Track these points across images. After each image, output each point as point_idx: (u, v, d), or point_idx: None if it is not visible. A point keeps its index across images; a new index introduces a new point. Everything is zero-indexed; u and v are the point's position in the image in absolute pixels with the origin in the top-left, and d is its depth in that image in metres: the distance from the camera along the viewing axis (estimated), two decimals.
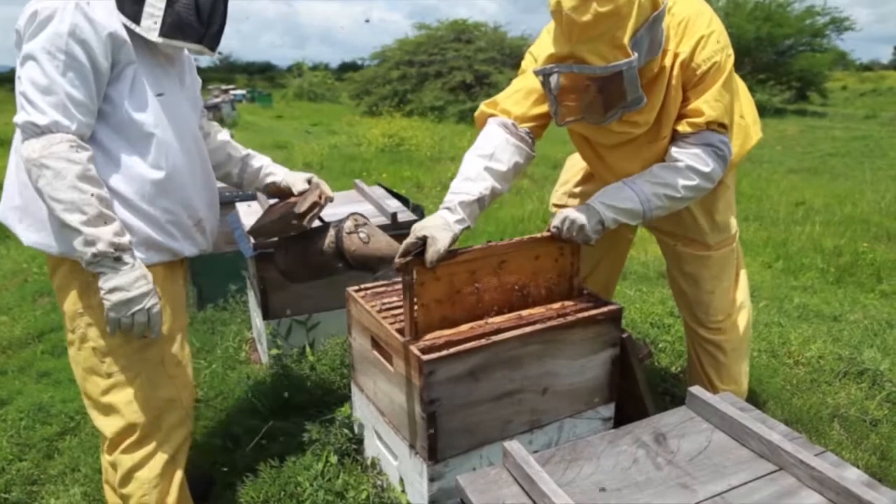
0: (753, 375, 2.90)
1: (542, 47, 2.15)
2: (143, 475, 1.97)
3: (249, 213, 3.28)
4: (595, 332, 2.16)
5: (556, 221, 2.13)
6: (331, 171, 9.94)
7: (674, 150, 2.15)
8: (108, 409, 1.94)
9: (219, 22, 1.91)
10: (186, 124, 1.98)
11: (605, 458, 1.55)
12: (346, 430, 2.48)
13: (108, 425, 1.96)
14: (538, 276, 2.19)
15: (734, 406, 1.67)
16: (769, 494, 1.41)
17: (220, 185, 2.31)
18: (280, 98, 30.04)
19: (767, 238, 6.24)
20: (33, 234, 1.83)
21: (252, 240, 2.98)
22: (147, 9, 1.77)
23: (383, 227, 2.78)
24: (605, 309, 2.18)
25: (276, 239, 2.38)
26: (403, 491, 2.18)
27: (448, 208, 2.05)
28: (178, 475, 2.05)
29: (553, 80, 2.03)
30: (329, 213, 2.32)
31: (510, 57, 21.48)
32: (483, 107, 2.34)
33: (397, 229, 2.91)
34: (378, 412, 2.27)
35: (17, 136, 1.76)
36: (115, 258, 1.71)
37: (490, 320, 2.08)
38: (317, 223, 2.28)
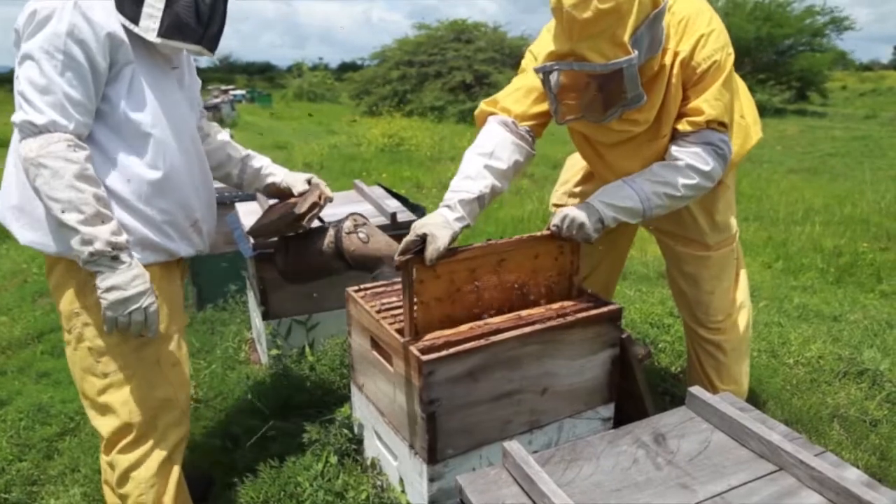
0: (753, 375, 2.90)
1: (543, 46, 2.15)
2: (140, 475, 1.97)
3: (249, 213, 3.28)
4: (594, 333, 2.16)
5: (556, 220, 2.13)
6: (330, 171, 9.94)
7: (674, 149, 2.15)
8: (104, 409, 1.94)
9: (218, 23, 1.91)
10: (184, 125, 1.98)
11: (605, 458, 1.54)
12: (345, 431, 2.48)
13: (104, 425, 1.96)
14: (538, 275, 2.18)
15: (734, 406, 1.67)
16: (769, 495, 1.41)
17: (219, 185, 2.31)
18: (280, 98, 30.04)
19: (767, 238, 6.24)
20: (30, 233, 1.83)
21: (252, 240, 2.98)
22: (146, 9, 1.78)
23: (383, 227, 2.78)
24: (604, 309, 2.18)
25: (275, 239, 2.38)
26: (403, 491, 2.18)
27: (448, 206, 2.05)
28: (175, 474, 2.04)
29: (553, 78, 2.03)
30: (329, 214, 2.32)
31: (510, 57, 21.48)
32: (483, 105, 2.34)
33: (397, 229, 2.91)
34: (378, 412, 2.27)
35: (16, 135, 1.76)
36: (112, 257, 1.72)
37: (489, 320, 2.08)
38: (316, 223, 2.28)
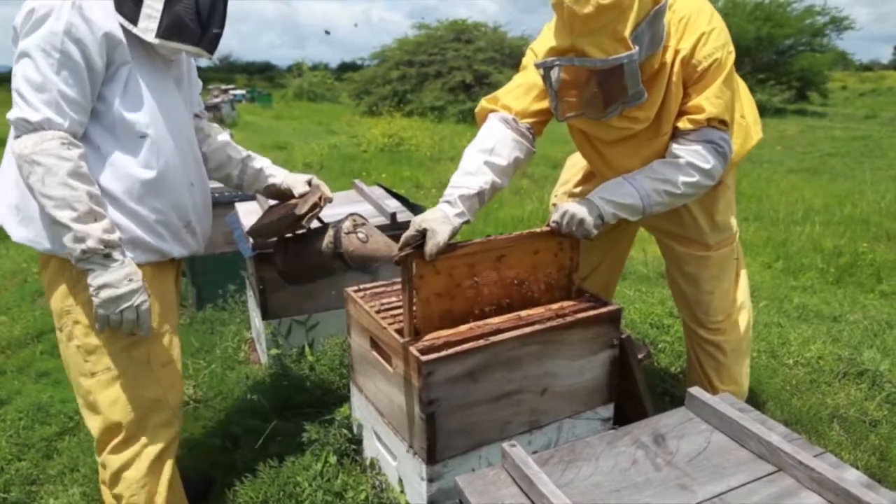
0: (753, 376, 2.90)
1: (544, 43, 2.15)
2: (131, 475, 1.97)
3: (249, 213, 3.28)
4: (594, 333, 2.16)
5: (555, 216, 2.13)
6: (330, 170, 9.94)
7: (674, 147, 2.15)
8: (94, 408, 1.94)
9: (217, 24, 1.90)
10: (181, 126, 1.98)
11: (604, 458, 1.54)
12: (345, 431, 2.47)
13: (93, 424, 1.96)
14: (537, 271, 2.18)
15: (733, 407, 1.67)
16: (768, 495, 1.41)
17: (218, 185, 2.31)
18: (280, 98, 30.03)
19: (767, 238, 6.24)
20: (23, 231, 1.84)
21: (251, 240, 2.98)
22: (145, 10, 1.78)
23: (382, 228, 2.78)
24: (604, 310, 2.18)
25: (274, 239, 2.38)
26: (402, 491, 2.17)
27: (448, 202, 2.05)
28: (167, 474, 2.03)
29: (554, 74, 2.03)
30: (328, 214, 2.32)
31: (510, 57, 21.47)
32: (484, 102, 2.34)
33: (396, 229, 2.91)
34: (377, 413, 2.27)
35: (12, 132, 1.76)
36: (104, 255, 1.72)
37: (489, 321, 2.08)
38: (315, 224, 2.28)
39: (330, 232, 2.21)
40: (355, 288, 2.37)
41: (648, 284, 4.84)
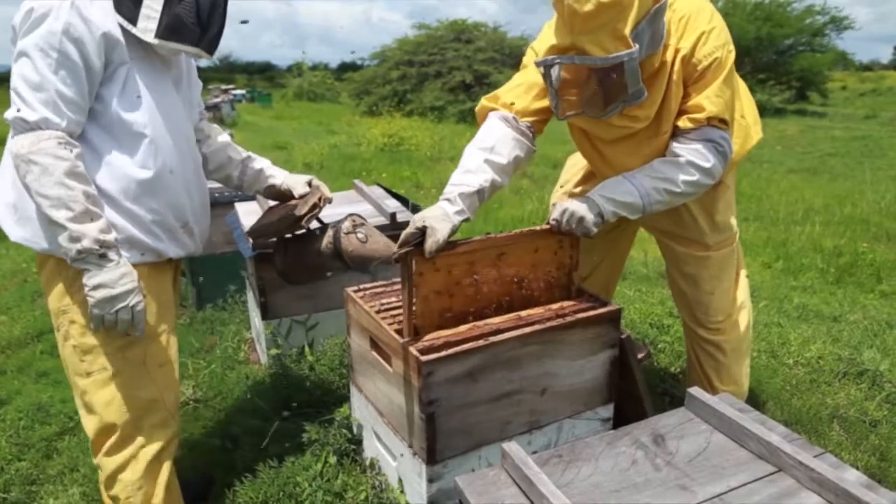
0: (753, 376, 2.90)
1: (544, 42, 2.15)
2: (127, 477, 1.96)
3: (249, 213, 3.28)
4: (594, 333, 2.16)
5: (555, 214, 2.13)
6: (330, 170, 9.94)
7: (674, 146, 2.15)
8: (90, 408, 1.94)
9: (217, 25, 1.90)
10: (179, 126, 1.97)
11: (604, 459, 1.54)
12: (345, 431, 2.47)
13: (89, 425, 1.96)
14: (537, 269, 2.18)
15: (733, 407, 1.67)
16: (768, 496, 1.41)
17: (217, 185, 2.31)
18: (280, 98, 30.03)
19: (767, 238, 6.24)
20: (20, 230, 1.84)
21: (251, 240, 2.97)
22: (144, 10, 1.78)
23: (382, 227, 2.78)
24: (604, 310, 2.18)
25: (274, 240, 2.38)
26: (402, 492, 2.17)
27: (448, 199, 2.05)
28: (164, 476, 2.03)
29: (554, 72, 2.03)
30: (328, 214, 2.32)
31: (510, 57, 21.47)
32: (484, 101, 2.34)
33: (396, 229, 2.91)
34: (377, 413, 2.27)
35: (11, 131, 1.76)
36: (100, 255, 1.72)
37: (489, 321, 2.08)
38: (315, 224, 2.28)
39: (329, 232, 2.21)
40: (355, 288, 2.37)
41: (648, 284, 4.84)
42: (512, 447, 1.51)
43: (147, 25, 1.79)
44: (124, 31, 1.79)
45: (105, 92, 1.79)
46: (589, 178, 2.71)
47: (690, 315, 2.65)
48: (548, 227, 2.16)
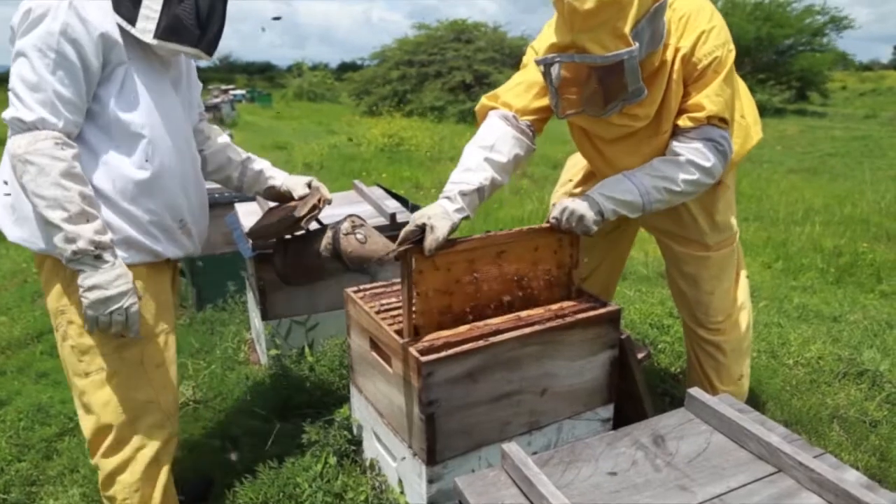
0: (753, 376, 2.90)
1: (544, 41, 2.15)
2: (125, 479, 1.97)
3: (249, 213, 3.28)
4: (594, 334, 2.16)
5: (555, 212, 2.13)
6: (330, 171, 9.95)
7: (674, 144, 2.15)
8: (88, 409, 1.94)
9: (216, 26, 1.90)
10: (178, 127, 1.97)
11: (604, 459, 1.54)
12: (344, 432, 2.47)
13: (86, 425, 1.96)
14: (537, 267, 2.18)
15: (733, 408, 1.67)
16: (768, 496, 1.41)
17: (217, 186, 2.30)
18: (280, 98, 30.03)
19: (767, 238, 6.24)
20: (17, 230, 1.84)
21: (251, 241, 2.97)
22: (143, 10, 1.78)
23: (382, 228, 2.78)
24: (604, 310, 2.18)
25: (273, 241, 2.38)
26: (402, 492, 2.17)
27: (448, 197, 2.05)
28: (163, 479, 2.03)
29: (554, 71, 2.03)
30: (327, 214, 2.32)
31: (510, 57, 21.48)
32: (484, 100, 2.34)
33: (396, 230, 2.90)
34: (377, 413, 2.27)
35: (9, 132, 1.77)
36: (95, 256, 1.72)
37: (488, 321, 2.08)
38: (314, 225, 2.28)
39: (328, 233, 2.21)
40: (355, 289, 2.37)
41: (648, 285, 4.84)
42: (512, 448, 1.51)
43: (146, 26, 1.79)
44: (123, 31, 1.79)
45: (103, 92, 1.79)
46: (589, 179, 2.70)
47: (690, 315, 2.65)
48: (548, 225, 2.16)
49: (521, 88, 2.27)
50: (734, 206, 2.56)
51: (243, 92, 27.39)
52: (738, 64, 2.22)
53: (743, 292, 2.65)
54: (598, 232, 2.26)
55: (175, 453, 2.14)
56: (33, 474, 2.68)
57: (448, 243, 1.96)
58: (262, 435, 2.67)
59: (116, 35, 1.77)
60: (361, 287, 2.37)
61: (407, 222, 1.97)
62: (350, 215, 2.26)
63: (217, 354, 3.55)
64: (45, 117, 1.69)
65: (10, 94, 1.71)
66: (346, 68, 44.52)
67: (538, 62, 2.04)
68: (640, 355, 2.78)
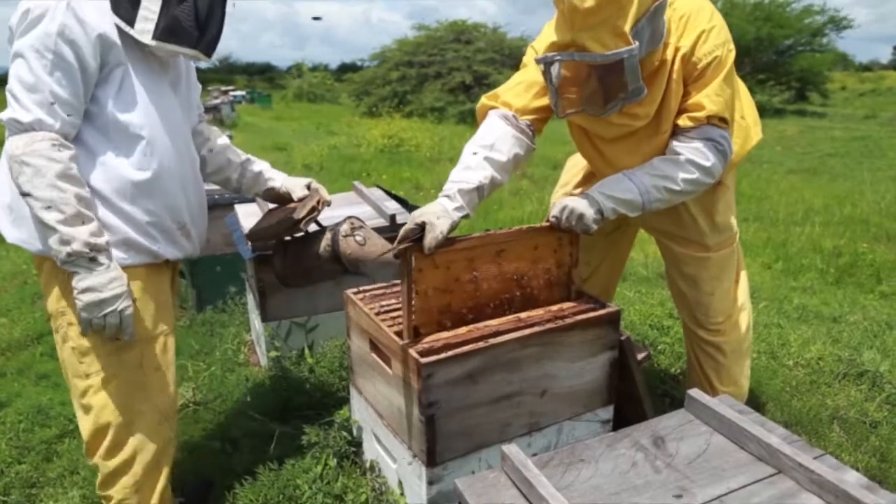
0: (753, 377, 2.90)
1: (544, 40, 2.15)
2: (125, 481, 1.98)
3: (248, 215, 3.28)
4: (594, 335, 2.16)
5: (555, 211, 2.13)
6: (330, 172, 9.95)
7: (674, 144, 2.15)
8: (87, 410, 1.94)
9: (215, 27, 1.90)
10: (176, 128, 1.97)
11: (604, 461, 1.54)
12: (344, 433, 2.47)
13: (85, 426, 1.96)
14: (537, 266, 2.18)
15: (733, 409, 1.67)
16: (768, 498, 1.41)
17: (216, 187, 2.30)
18: (279, 99, 30.04)
19: (767, 239, 6.24)
20: (16, 231, 1.84)
21: (250, 243, 2.97)
22: (142, 12, 1.78)
23: (382, 229, 2.78)
24: (603, 311, 2.18)
25: (273, 243, 2.38)
26: (402, 494, 2.17)
27: (447, 196, 2.05)
28: (162, 483, 2.04)
29: (554, 70, 2.03)
30: (326, 216, 2.32)
31: (509, 58, 21.50)
32: (484, 99, 2.34)
33: (396, 231, 2.90)
34: (377, 415, 2.27)
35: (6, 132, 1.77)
36: (89, 258, 1.72)
37: (488, 323, 2.08)
38: (313, 227, 2.28)
39: (328, 235, 2.21)
40: (354, 290, 2.37)
41: (648, 286, 4.84)
42: (511, 449, 1.50)
43: (145, 27, 1.79)
44: (121, 32, 1.79)
45: (101, 93, 1.79)
46: (589, 180, 2.70)
47: (690, 316, 2.64)
48: (547, 224, 2.16)
49: (521, 88, 2.27)
50: (734, 206, 2.56)
51: (243, 93, 27.40)
52: (738, 64, 2.22)
53: (743, 293, 2.65)
54: (599, 232, 2.26)
55: (175, 455, 2.14)
56: (33, 476, 2.67)
57: (448, 242, 1.96)
58: (262, 437, 2.67)
59: (114, 36, 1.77)
60: (361, 288, 2.37)
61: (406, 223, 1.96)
62: (349, 217, 2.26)
63: (217, 356, 3.55)
64: (41, 118, 1.69)
65: (8, 95, 1.72)
66: (346, 69, 44.59)
67: (538, 61, 2.04)
68: (640, 356, 2.78)
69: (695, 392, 1.74)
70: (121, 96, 1.81)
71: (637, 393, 2.41)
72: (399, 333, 2.01)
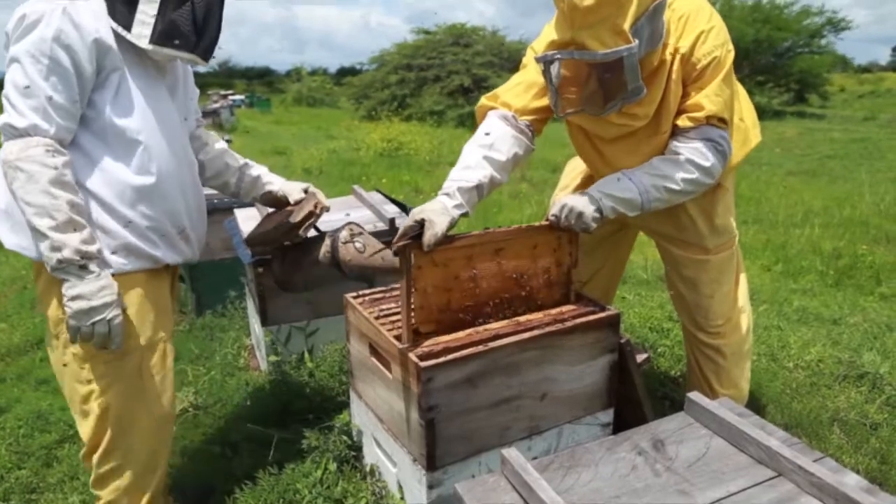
0: (753, 379, 2.90)
1: (544, 41, 2.16)
2: (118, 484, 1.98)
3: (248, 219, 3.28)
4: (593, 338, 2.16)
5: (554, 209, 2.14)
6: (329, 175, 9.96)
7: (674, 144, 2.16)
8: (86, 415, 1.94)
9: (213, 32, 1.91)
10: (174, 132, 1.97)
11: (604, 464, 1.54)
12: (344, 438, 2.47)
13: (84, 431, 1.96)
14: (536, 265, 2.18)
15: (732, 412, 1.67)
16: (768, 501, 1.40)
17: (216, 192, 2.30)
18: (279, 103, 30.06)
19: (766, 241, 6.24)
20: (14, 237, 1.84)
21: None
22: (139, 16, 1.78)
23: (381, 233, 2.78)
24: (603, 315, 2.18)
25: (272, 248, 2.38)
26: (402, 498, 2.17)
27: (447, 194, 2.05)
28: (154, 485, 2.04)
29: (554, 69, 2.04)
30: (327, 220, 2.32)
31: (508, 61, 21.52)
32: (484, 100, 2.35)
33: (395, 235, 2.90)
34: (377, 419, 2.27)
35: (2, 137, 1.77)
36: (80, 266, 1.71)
37: (488, 326, 2.08)
38: (312, 233, 2.28)
39: (327, 241, 2.21)
40: (354, 294, 2.37)
41: (648, 288, 4.84)
42: (511, 453, 1.50)
43: (142, 31, 1.79)
44: (118, 36, 1.79)
45: (98, 98, 1.79)
46: (588, 183, 2.70)
47: (690, 319, 2.64)
48: (547, 223, 2.17)
49: (521, 88, 2.28)
50: (733, 208, 2.56)
51: (242, 97, 27.41)
52: (737, 66, 2.23)
53: (743, 295, 2.65)
54: (599, 234, 2.26)
55: (175, 460, 2.14)
56: (33, 482, 2.67)
57: (447, 239, 1.96)
58: (261, 441, 2.67)
59: (111, 41, 1.77)
60: (361, 292, 2.37)
61: None
62: (348, 223, 2.26)
63: (217, 360, 3.54)
64: (37, 123, 1.69)
65: (4, 100, 1.72)
66: (345, 73, 44.66)
67: (538, 59, 2.04)
68: (639, 359, 2.78)
69: (694, 395, 1.74)
70: (118, 101, 1.81)
71: (637, 396, 2.41)
72: (398, 337, 2.00)
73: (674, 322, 3.83)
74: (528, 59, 2.30)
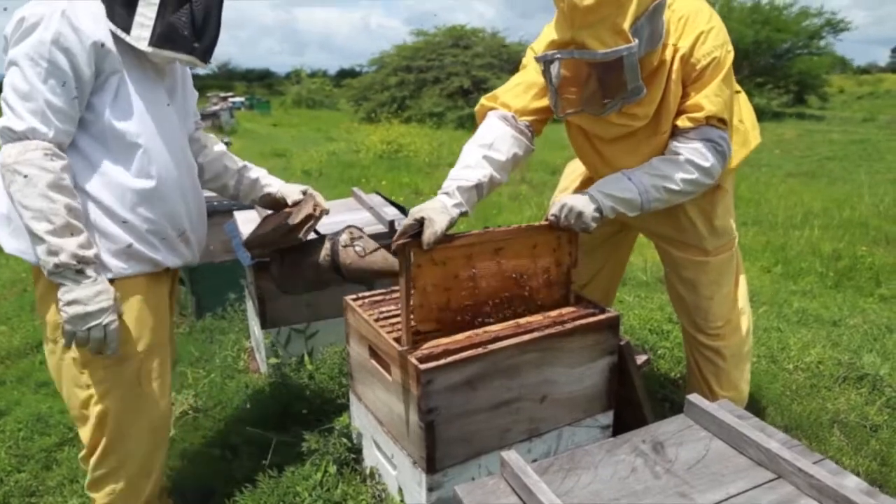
0: (753, 381, 2.90)
1: (543, 41, 2.16)
2: (113, 487, 1.98)
3: (247, 221, 3.28)
4: (593, 340, 2.16)
5: (554, 209, 2.14)
6: (329, 177, 9.96)
7: (674, 144, 2.16)
8: (85, 419, 1.94)
9: (212, 33, 1.91)
10: (173, 135, 1.97)
11: (604, 467, 1.54)
12: (344, 440, 2.47)
13: (84, 434, 1.96)
14: (536, 265, 2.18)
15: (732, 414, 1.67)
16: (768, 503, 1.40)
17: (213, 195, 2.30)
18: (278, 105, 30.07)
19: (766, 242, 6.24)
20: (14, 241, 1.83)
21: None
22: (137, 18, 1.78)
23: (380, 235, 2.78)
24: (603, 317, 2.18)
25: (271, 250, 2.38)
26: (402, 500, 2.17)
27: (446, 193, 2.06)
28: (149, 489, 2.04)
29: (554, 69, 2.04)
30: (327, 222, 2.32)
31: (508, 62, 21.52)
32: (483, 100, 2.36)
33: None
34: (376, 422, 2.27)
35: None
36: (76, 270, 1.71)
37: (487, 328, 2.08)
38: (312, 236, 2.28)
39: (327, 245, 2.21)
40: (354, 296, 2.37)
41: (647, 290, 4.84)
42: (511, 456, 1.50)
43: (140, 33, 1.79)
44: (117, 39, 1.79)
45: (97, 101, 1.79)
46: (587, 185, 2.70)
47: (690, 321, 2.64)
48: (546, 223, 2.17)
49: (521, 89, 2.28)
50: (733, 210, 2.57)
51: (242, 99, 27.41)
52: (736, 68, 2.23)
53: (742, 297, 2.65)
54: (598, 235, 2.25)
55: (174, 462, 2.14)
56: (33, 485, 2.67)
57: (446, 238, 1.96)
58: (261, 444, 2.67)
59: (110, 44, 1.77)
60: (360, 295, 2.37)
61: None
62: (348, 227, 2.26)
63: (216, 363, 3.54)
64: (35, 127, 1.69)
65: (3, 104, 1.72)
66: (345, 75, 44.66)
67: (538, 59, 2.05)
68: (639, 361, 2.78)
69: (694, 397, 1.74)
70: (117, 104, 1.81)
71: (637, 398, 2.41)
72: (398, 340, 2.00)
73: (673, 324, 3.83)
74: (528, 59, 2.30)
